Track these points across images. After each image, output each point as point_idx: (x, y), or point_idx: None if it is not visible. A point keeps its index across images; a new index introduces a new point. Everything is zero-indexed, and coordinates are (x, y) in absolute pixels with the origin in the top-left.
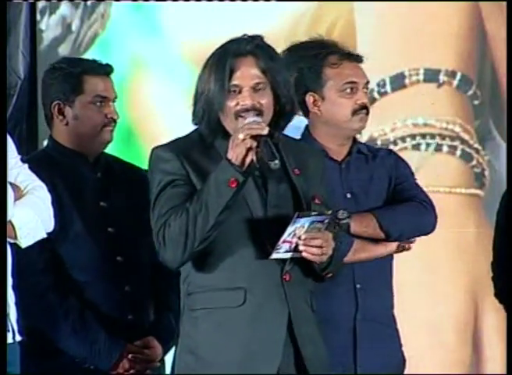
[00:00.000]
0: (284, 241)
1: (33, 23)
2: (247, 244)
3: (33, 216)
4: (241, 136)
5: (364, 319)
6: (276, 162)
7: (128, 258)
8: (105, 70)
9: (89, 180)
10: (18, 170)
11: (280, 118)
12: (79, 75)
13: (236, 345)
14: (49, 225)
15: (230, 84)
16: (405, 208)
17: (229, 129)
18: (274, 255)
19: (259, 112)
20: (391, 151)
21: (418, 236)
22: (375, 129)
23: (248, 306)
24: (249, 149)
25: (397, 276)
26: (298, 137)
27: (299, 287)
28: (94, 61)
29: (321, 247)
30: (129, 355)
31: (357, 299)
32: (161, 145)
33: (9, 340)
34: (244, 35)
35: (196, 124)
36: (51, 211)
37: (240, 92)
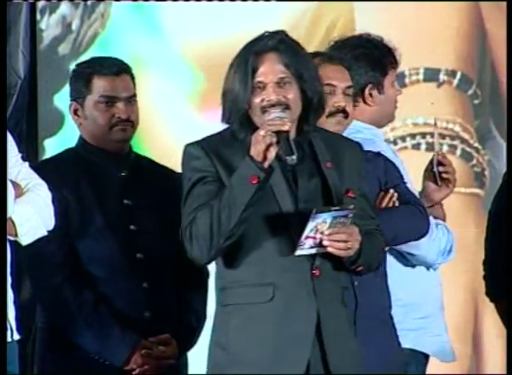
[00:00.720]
0: (307, 237)
1: (33, 23)
2: (277, 240)
3: (34, 214)
4: (262, 132)
5: (362, 317)
6: (293, 157)
7: (148, 256)
8: (113, 70)
9: (114, 178)
10: (18, 168)
11: (309, 113)
12: (88, 75)
13: (264, 342)
14: (49, 223)
15: (254, 81)
16: (400, 213)
17: (258, 125)
18: (298, 252)
19: (286, 106)
20: (379, 153)
21: (411, 240)
22: None
23: (276, 302)
24: (270, 145)
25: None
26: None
27: (329, 283)
28: (105, 60)
29: (346, 241)
30: (143, 351)
31: (356, 296)
32: (193, 142)
33: (8, 339)
34: (266, 32)
35: (226, 123)
36: (51, 209)
37: (264, 88)
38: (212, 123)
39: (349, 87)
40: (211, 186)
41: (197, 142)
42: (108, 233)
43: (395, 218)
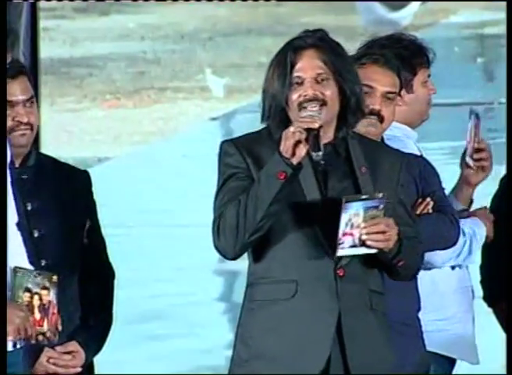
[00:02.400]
0: (345, 234)
1: (33, 23)
2: (302, 238)
3: None
4: (292, 129)
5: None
6: (319, 153)
7: (53, 262)
8: (10, 73)
9: (15, 184)
10: None
11: (347, 113)
12: None
13: (284, 339)
14: None
15: (292, 77)
16: (430, 220)
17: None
18: (339, 252)
19: (322, 102)
20: (420, 156)
21: (439, 249)
22: None
23: (298, 299)
24: (299, 142)
25: None
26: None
27: (354, 284)
28: (9, 63)
29: (384, 232)
30: (50, 360)
31: None
32: (228, 139)
33: (10, 347)
34: (306, 30)
35: (266, 121)
36: None
37: (302, 84)
38: None
39: (390, 92)
40: (243, 182)
41: (232, 139)
42: (13, 239)
43: (424, 225)
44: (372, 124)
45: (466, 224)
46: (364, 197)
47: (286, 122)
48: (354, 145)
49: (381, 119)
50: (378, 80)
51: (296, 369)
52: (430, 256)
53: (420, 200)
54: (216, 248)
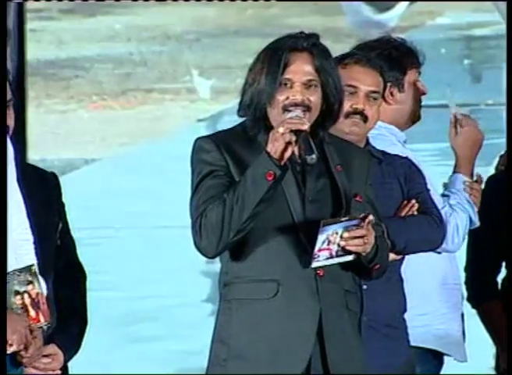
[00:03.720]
0: (320, 250)
1: (20, 25)
2: (284, 238)
3: None
4: (281, 130)
5: (368, 321)
6: (313, 156)
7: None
8: None
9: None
10: None
11: (326, 117)
12: None
13: (265, 338)
14: None
15: (283, 78)
16: (415, 222)
17: (273, 122)
18: (314, 264)
19: (307, 108)
20: (405, 158)
21: (424, 251)
22: None
23: (279, 299)
24: (288, 143)
25: None
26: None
27: (333, 284)
28: None
29: (362, 236)
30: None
31: (363, 300)
32: (204, 136)
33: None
34: (301, 32)
35: (241, 116)
36: None
37: (291, 87)
38: None
39: (374, 91)
40: (222, 179)
41: (208, 136)
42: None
43: (408, 227)
44: (356, 124)
45: (455, 196)
46: (343, 219)
47: (264, 119)
48: (329, 146)
49: (365, 119)
50: (362, 79)
51: (277, 369)
52: (445, 246)
53: (405, 202)
54: (197, 247)
